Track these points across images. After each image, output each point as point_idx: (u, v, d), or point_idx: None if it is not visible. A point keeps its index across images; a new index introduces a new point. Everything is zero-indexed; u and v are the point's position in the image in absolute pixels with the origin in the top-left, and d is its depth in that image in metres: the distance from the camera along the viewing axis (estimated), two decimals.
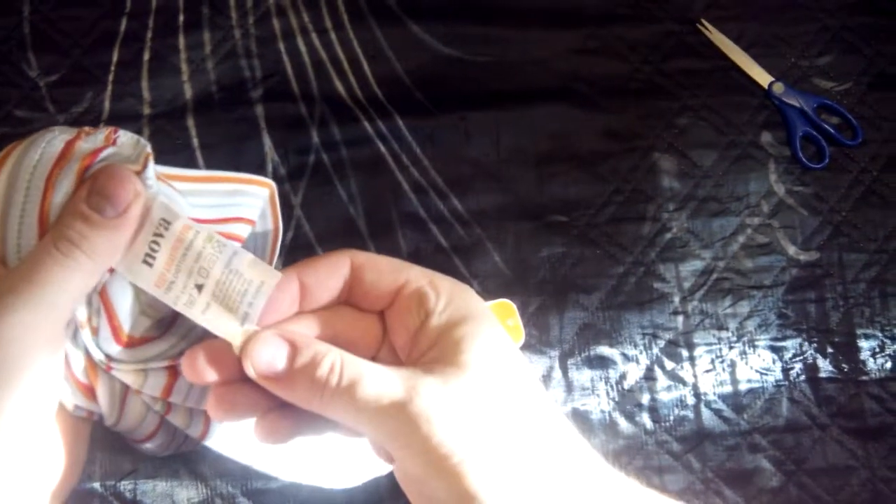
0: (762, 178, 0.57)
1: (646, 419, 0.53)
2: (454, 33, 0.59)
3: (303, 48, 0.58)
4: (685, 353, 0.54)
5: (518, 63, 0.58)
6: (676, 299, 0.54)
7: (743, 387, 0.53)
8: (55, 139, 0.29)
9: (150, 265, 0.28)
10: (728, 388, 0.53)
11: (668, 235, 0.55)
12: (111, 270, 0.29)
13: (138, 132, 0.55)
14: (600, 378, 0.53)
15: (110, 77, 0.57)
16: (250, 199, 0.35)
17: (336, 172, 0.55)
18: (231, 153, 0.55)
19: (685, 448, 0.52)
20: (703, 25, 0.59)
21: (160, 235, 0.28)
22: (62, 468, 0.30)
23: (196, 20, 0.58)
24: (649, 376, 0.53)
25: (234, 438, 0.33)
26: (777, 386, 0.53)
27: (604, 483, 0.27)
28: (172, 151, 0.55)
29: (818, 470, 0.52)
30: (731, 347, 0.54)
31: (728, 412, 0.53)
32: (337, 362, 0.26)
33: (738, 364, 0.54)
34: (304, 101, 0.57)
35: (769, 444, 0.53)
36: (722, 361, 0.54)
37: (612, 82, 0.58)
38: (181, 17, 0.58)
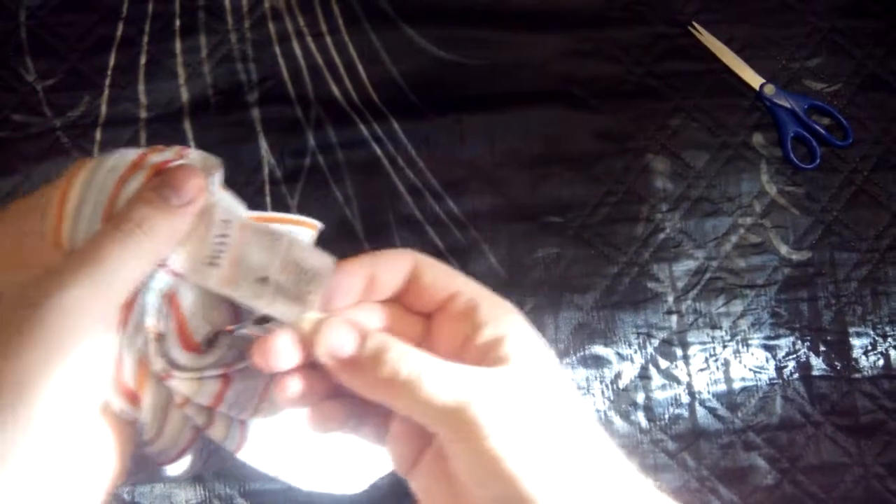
0: (754, 179, 0.57)
1: (641, 418, 0.53)
2: (449, 37, 0.59)
3: (298, 52, 0.58)
4: (679, 352, 0.54)
5: (512, 66, 0.59)
6: (670, 299, 0.55)
7: (737, 385, 0.54)
8: (129, 152, 0.31)
9: (217, 265, 0.30)
10: (722, 387, 0.54)
11: (662, 236, 0.56)
12: (177, 274, 0.30)
13: (135, 135, 0.56)
14: (595, 377, 0.54)
15: (107, 81, 0.57)
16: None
17: (332, 175, 0.56)
18: (227, 156, 0.55)
19: (680, 446, 0.53)
20: (694, 28, 0.60)
21: (224, 236, 0.30)
22: (109, 464, 0.30)
23: (192, 24, 0.59)
24: (644, 375, 0.54)
25: (268, 450, 0.34)
26: (771, 384, 0.54)
27: (643, 494, 0.28)
28: None
29: (812, 467, 0.53)
30: (724, 346, 0.54)
31: (722, 410, 0.53)
32: (402, 354, 0.27)
33: (731, 363, 0.54)
34: (300, 105, 0.57)
35: (763, 441, 0.53)
36: (716, 360, 0.54)
37: (605, 84, 0.59)
38: (177, 22, 0.59)
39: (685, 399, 0.54)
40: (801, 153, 0.58)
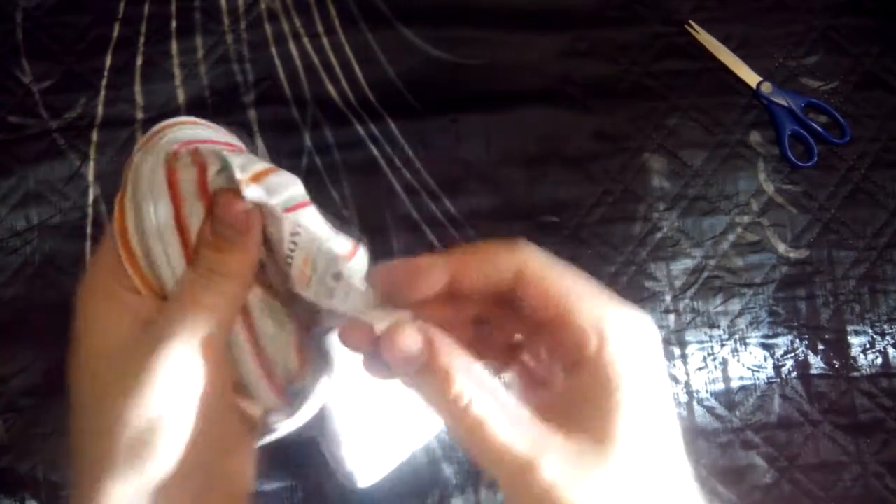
0: (751, 177, 0.57)
1: None
2: (445, 36, 0.59)
3: (295, 52, 0.58)
4: (677, 351, 0.54)
5: (508, 65, 0.59)
6: (668, 298, 0.55)
7: (735, 384, 0.54)
8: (155, 178, 0.30)
9: (290, 266, 0.30)
10: (720, 386, 0.54)
11: (659, 235, 0.56)
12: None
13: (131, 137, 0.56)
14: None
15: (103, 82, 0.57)
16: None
17: (329, 175, 0.56)
18: None
19: None
20: (691, 27, 0.60)
21: (298, 234, 0.29)
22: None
23: (188, 26, 0.59)
24: None
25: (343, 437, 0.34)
26: (769, 383, 0.54)
27: None
28: None
29: (810, 466, 0.52)
30: (722, 345, 0.54)
31: (720, 409, 0.53)
32: (466, 393, 0.24)
33: (729, 361, 0.54)
34: (297, 105, 0.57)
35: (762, 440, 0.53)
36: (714, 359, 0.54)
37: (601, 84, 0.59)
38: (173, 23, 0.59)
39: (683, 398, 0.53)
40: (799, 151, 0.58)
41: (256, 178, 0.29)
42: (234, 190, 0.29)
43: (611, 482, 0.23)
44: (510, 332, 0.30)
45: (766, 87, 0.58)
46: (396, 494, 0.50)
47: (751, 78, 0.59)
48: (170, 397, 0.27)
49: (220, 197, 0.29)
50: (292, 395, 0.32)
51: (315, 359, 0.33)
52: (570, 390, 0.26)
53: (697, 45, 0.60)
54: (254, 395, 0.31)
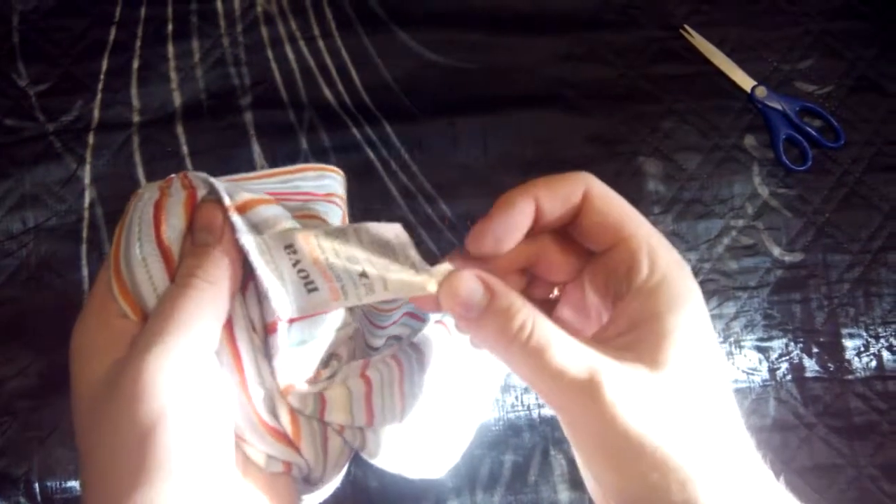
0: (746, 181, 0.57)
1: None
2: (441, 40, 0.59)
3: (291, 56, 0.59)
4: None
5: (504, 69, 0.59)
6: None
7: (730, 387, 0.54)
8: (147, 205, 0.30)
9: (317, 289, 0.29)
10: None
11: None
12: (293, 321, 0.30)
13: (128, 140, 0.56)
14: None
15: (100, 86, 0.57)
16: (328, 181, 0.37)
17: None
18: (220, 160, 0.56)
19: None
20: (686, 31, 0.60)
21: (298, 261, 0.29)
22: None
23: (184, 29, 0.59)
24: None
25: (391, 449, 0.34)
26: (764, 386, 0.54)
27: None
28: (162, 159, 0.55)
29: (805, 469, 0.53)
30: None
31: None
32: (529, 321, 0.26)
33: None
34: (293, 108, 0.57)
35: (756, 443, 0.53)
36: None
37: (597, 87, 0.59)
38: (170, 27, 0.59)
39: None
40: (793, 155, 0.58)
41: (243, 207, 0.29)
42: (213, 200, 0.29)
43: (666, 403, 0.24)
44: (555, 276, 0.31)
45: (761, 91, 0.59)
46: (393, 498, 0.50)
47: (745, 82, 0.59)
48: (160, 404, 0.26)
49: (200, 206, 0.30)
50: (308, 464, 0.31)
51: (331, 448, 0.32)
52: (616, 322, 0.27)
53: (692, 49, 0.60)
54: (248, 439, 0.30)
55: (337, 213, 0.36)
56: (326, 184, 0.37)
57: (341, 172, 0.38)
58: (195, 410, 0.26)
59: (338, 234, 0.28)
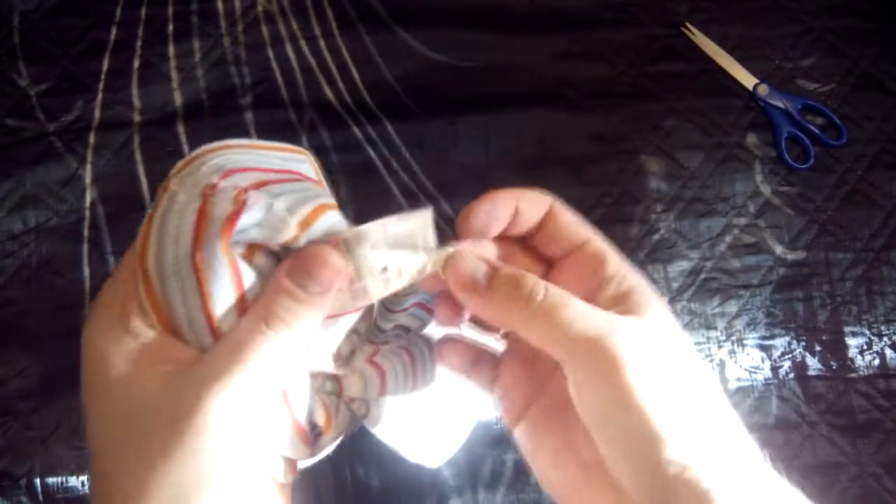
0: (748, 179, 0.57)
1: None
2: (442, 39, 0.59)
3: (292, 55, 0.58)
4: None
5: (505, 68, 0.59)
6: (665, 300, 0.55)
7: (732, 385, 0.54)
8: (186, 210, 0.27)
9: (342, 289, 0.29)
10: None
11: (656, 237, 0.56)
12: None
13: (129, 139, 0.56)
14: None
15: (100, 85, 0.57)
16: (301, 165, 0.36)
17: (326, 178, 0.56)
18: None
19: None
20: (687, 29, 0.60)
21: None
22: None
23: (185, 29, 0.59)
24: None
25: (391, 423, 0.35)
26: (766, 384, 0.54)
27: (755, 453, 0.28)
28: (163, 158, 0.55)
29: (808, 467, 0.52)
30: (720, 346, 0.54)
31: None
32: (540, 285, 0.28)
33: (727, 363, 0.54)
34: (294, 108, 0.57)
35: (759, 442, 0.52)
36: (711, 360, 0.54)
37: (598, 86, 0.59)
38: (170, 26, 0.59)
39: None
40: (795, 153, 0.58)
41: (304, 224, 0.28)
42: (329, 242, 0.28)
43: (659, 344, 0.28)
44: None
45: (763, 89, 0.58)
46: (395, 496, 0.50)
47: (747, 80, 0.59)
48: (216, 452, 0.24)
49: (309, 252, 0.28)
50: (317, 448, 0.31)
51: (339, 416, 0.32)
52: (599, 301, 0.30)
53: (694, 47, 0.60)
54: (277, 446, 0.30)
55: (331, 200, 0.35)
56: (306, 168, 0.37)
57: (306, 153, 0.37)
58: (247, 457, 0.26)
59: (359, 233, 0.28)
